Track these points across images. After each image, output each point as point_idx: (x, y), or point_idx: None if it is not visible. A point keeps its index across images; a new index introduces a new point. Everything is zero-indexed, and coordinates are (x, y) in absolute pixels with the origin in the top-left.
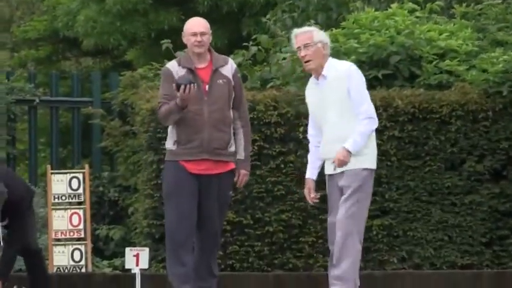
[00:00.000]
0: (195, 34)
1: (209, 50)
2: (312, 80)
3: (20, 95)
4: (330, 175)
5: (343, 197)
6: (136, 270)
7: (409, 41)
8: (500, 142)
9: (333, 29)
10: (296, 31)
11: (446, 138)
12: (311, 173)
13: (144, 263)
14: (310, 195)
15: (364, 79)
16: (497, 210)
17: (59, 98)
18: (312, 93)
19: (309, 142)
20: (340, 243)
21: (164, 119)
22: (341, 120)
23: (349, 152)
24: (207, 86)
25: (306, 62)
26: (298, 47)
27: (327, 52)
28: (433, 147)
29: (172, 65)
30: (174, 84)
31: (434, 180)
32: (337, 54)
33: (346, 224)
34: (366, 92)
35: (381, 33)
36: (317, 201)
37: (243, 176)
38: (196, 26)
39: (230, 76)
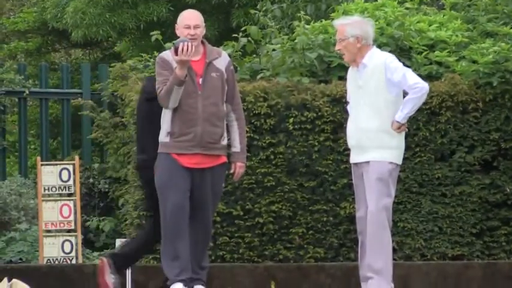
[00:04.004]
0: (188, 27)
1: (203, 43)
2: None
3: (10, 87)
4: (355, 164)
5: (368, 190)
6: None
7: (399, 32)
8: (490, 133)
9: (322, 20)
10: (334, 23)
11: (436, 129)
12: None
13: None
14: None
15: (401, 64)
16: (487, 201)
17: (49, 89)
18: (351, 77)
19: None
20: (374, 236)
21: (166, 99)
22: (373, 113)
23: (399, 122)
24: (200, 80)
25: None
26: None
27: (365, 43)
28: (423, 138)
29: (167, 54)
30: (173, 50)
31: (424, 171)
32: (326, 45)
33: (378, 217)
34: (406, 71)
35: None
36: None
37: (239, 168)
38: (190, 19)
39: (223, 69)
